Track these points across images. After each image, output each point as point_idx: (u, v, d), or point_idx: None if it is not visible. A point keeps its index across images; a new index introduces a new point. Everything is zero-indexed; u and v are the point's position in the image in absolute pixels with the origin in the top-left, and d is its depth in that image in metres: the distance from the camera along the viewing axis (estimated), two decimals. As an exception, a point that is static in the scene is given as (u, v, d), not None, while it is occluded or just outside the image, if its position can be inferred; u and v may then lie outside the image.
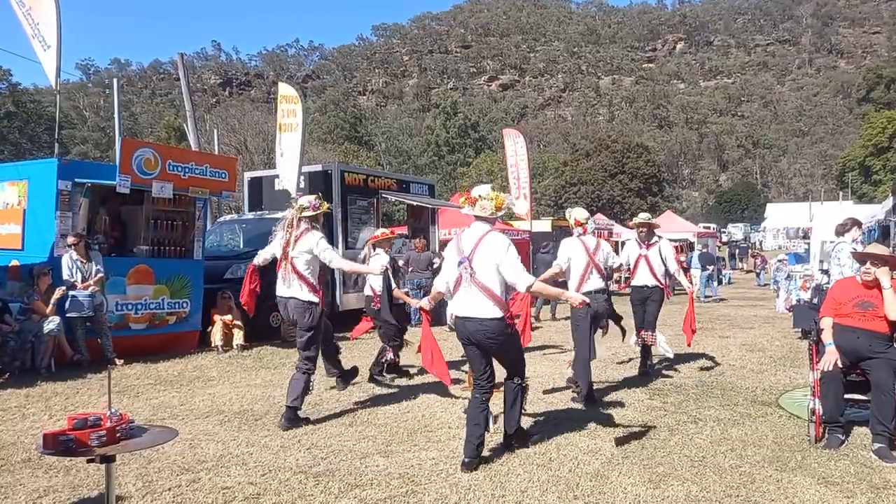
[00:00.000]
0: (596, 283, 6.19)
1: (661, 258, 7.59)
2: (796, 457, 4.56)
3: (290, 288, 5.54)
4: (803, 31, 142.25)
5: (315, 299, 5.58)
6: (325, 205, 5.76)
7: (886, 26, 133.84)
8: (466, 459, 4.36)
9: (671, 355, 7.54)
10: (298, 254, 5.50)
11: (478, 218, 4.49)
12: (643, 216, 8.02)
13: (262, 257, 5.84)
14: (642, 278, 7.67)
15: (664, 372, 7.63)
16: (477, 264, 4.34)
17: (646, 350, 7.60)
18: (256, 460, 4.57)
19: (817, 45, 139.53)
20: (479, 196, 4.48)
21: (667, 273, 7.69)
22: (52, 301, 7.78)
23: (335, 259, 5.69)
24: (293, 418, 5.45)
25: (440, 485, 4.07)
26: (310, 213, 5.60)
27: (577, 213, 6.38)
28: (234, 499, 3.89)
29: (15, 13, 9.89)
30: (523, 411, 4.80)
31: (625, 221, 43.49)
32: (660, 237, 7.94)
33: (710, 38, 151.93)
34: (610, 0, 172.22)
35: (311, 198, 5.71)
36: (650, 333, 7.51)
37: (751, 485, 4.05)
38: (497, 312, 4.32)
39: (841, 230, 7.42)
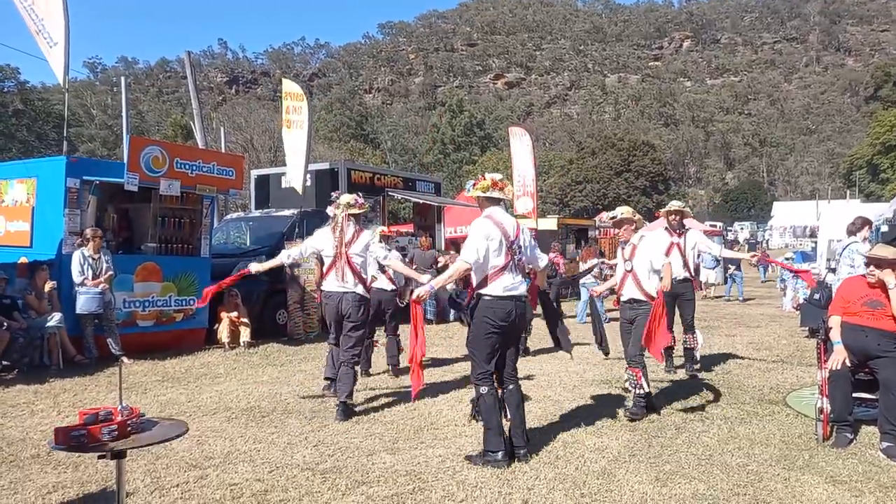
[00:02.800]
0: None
1: (693, 247, 7.14)
2: (804, 455, 4.55)
3: (346, 283, 5.75)
4: (811, 29, 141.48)
5: (367, 295, 5.99)
6: (367, 204, 6.16)
7: (895, 24, 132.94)
8: (505, 451, 4.33)
9: (700, 342, 7.38)
10: (355, 252, 5.77)
11: (496, 201, 4.54)
12: (675, 203, 7.49)
13: (291, 256, 6.11)
14: (673, 270, 6.84)
15: (670, 370, 7.60)
16: (524, 244, 4.62)
17: (689, 352, 7.29)
18: (264, 457, 4.58)
19: (825, 42, 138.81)
20: (503, 180, 4.57)
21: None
22: (45, 295, 7.83)
23: (390, 259, 6.25)
24: (348, 411, 5.62)
25: (447, 482, 4.08)
26: (356, 210, 5.82)
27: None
28: (242, 495, 3.90)
29: (15, 7, 9.79)
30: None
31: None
32: (687, 228, 7.45)
33: (717, 35, 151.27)
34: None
35: (353, 196, 5.94)
36: (692, 336, 7.22)
37: (758, 483, 4.04)
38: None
39: (852, 229, 7.34)
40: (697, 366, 7.28)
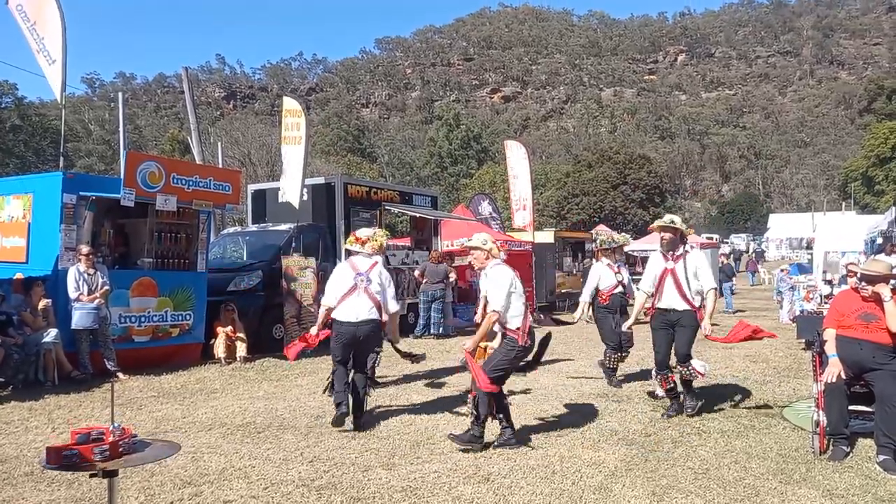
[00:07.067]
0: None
1: (694, 274, 5.99)
2: (800, 469, 4.54)
3: None
4: (804, 43, 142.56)
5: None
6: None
7: (887, 38, 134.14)
8: (344, 402, 5.72)
9: (704, 371, 6.17)
10: None
11: (357, 252, 5.98)
12: (666, 218, 6.24)
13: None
14: (669, 299, 6.05)
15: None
16: (373, 278, 5.87)
17: (687, 384, 6.17)
18: (259, 473, 4.56)
19: (818, 56, 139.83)
20: (368, 238, 6.01)
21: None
22: (39, 312, 7.81)
23: None
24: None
25: (443, 498, 4.06)
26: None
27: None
28: (237, 512, 3.88)
29: (20, 27, 9.93)
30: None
31: (627, 232, 43.52)
32: (691, 247, 6.36)
33: (712, 49, 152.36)
34: (611, 13, 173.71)
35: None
36: (686, 367, 6.02)
37: (755, 497, 4.03)
38: (378, 315, 5.89)
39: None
40: (695, 404, 6.11)
